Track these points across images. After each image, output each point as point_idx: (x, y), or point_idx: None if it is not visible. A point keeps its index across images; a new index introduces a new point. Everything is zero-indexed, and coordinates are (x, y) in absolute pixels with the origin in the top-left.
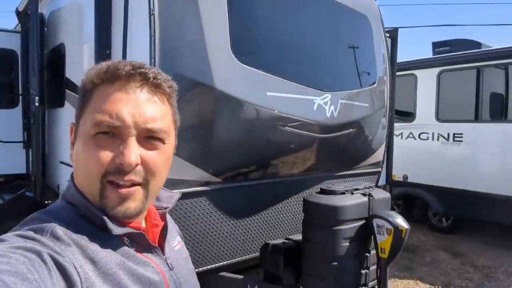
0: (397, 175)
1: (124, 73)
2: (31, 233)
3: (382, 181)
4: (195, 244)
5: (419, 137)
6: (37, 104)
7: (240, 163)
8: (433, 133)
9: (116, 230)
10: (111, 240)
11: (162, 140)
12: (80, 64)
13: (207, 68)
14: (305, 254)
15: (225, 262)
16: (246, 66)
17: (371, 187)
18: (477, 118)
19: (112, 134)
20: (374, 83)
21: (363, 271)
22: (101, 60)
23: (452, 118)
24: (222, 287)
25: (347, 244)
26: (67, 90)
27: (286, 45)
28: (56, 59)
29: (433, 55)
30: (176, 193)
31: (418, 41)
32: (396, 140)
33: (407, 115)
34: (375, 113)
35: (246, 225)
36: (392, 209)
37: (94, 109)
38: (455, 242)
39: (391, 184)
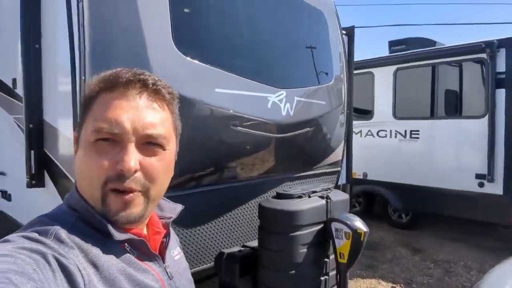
0: (357, 172)
1: (123, 80)
2: (35, 235)
3: (342, 180)
4: None
5: (377, 134)
6: None
7: (187, 168)
8: (390, 131)
9: (118, 236)
10: (113, 246)
11: (162, 146)
12: (9, 61)
13: (145, 61)
14: (261, 262)
15: None
16: (191, 59)
17: (329, 189)
18: (432, 115)
19: (112, 140)
20: (331, 80)
21: (322, 278)
22: (29, 56)
23: (408, 115)
24: None
25: (305, 250)
26: None
27: (238, 39)
28: None
29: (389, 53)
30: (179, 205)
31: (377, 40)
32: (355, 138)
33: (366, 113)
34: (333, 111)
35: (198, 234)
36: (353, 207)
37: (94, 116)
38: (415, 238)
39: (351, 183)
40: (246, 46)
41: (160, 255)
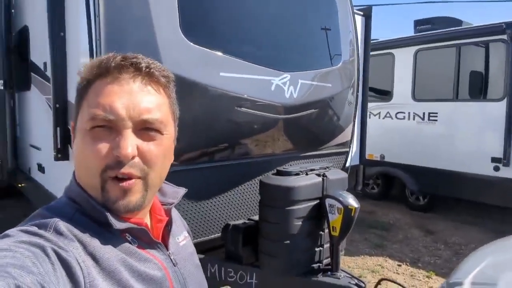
0: (375, 154)
1: (115, 64)
2: (35, 229)
3: (355, 160)
4: None
5: (396, 116)
6: (1, 87)
7: (196, 145)
8: (409, 113)
9: (118, 225)
10: (113, 237)
11: (159, 131)
12: (42, 46)
13: (155, 48)
14: (261, 233)
15: None
16: (197, 46)
17: (328, 168)
18: (454, 97)
19: (108, 127)
20: (339, 63)
21: (317, 249)
22: (56, 43)
23: (428, 97)
24: None
25: (300, 223)
26: (32, 74)
27: (241, 25)
28: (21, 41)
29: (415, 33)
30: (182, 189)
31: (404, 19)
32: (374, 119)
33: (385, 94)
34: (340, 93)
35: (208, 206)
36: (372, 189)
37: (89, 104)
38: (430, 220)
39: (365, 163)
40: (250, 32)
41: (163, 242)
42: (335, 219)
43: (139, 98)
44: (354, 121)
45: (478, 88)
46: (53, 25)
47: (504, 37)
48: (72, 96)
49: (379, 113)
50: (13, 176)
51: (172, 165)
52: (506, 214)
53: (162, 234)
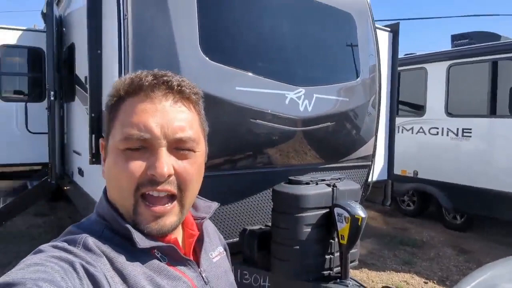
0: (408, 170)
1: (147, 83)
2: (65, 244)
3: (383, 175)
4: None
5: (429, 132)
6: (52, 98)
7: (213, 154)
8: (442, 128)
9: (142, 243)
10: (141, 254)
11: (192, 149)
12: (84, 62)
13: (176, 65)
14: (273, 238)
15: None
16: (214, 62)
17: (339, 179)
18: (492, 113)
19: (142, 147)
20: (358, 78)
21: (327, 256)
22: (93, 59)
23: (462, 113)
24: None
25: (309, 230)
26: (76, 86)
27: (257, 42)
28: (69, 57)
29: (452, 47)
30: (214, 203)
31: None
32: (406, 134)
33: (418, 109)
34: (358, 107)
35: (226, 212)
36: (407, 206)
37: (122, 122)
38: (466, 240)
39: (393, 179)
40: (265, 48)
41: (195, 258)
42: (343, 227)
43: (172, 116)
44: (376, 135)
45: None
46: (92, 43)
47: None
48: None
49: (412, 128)
50: (61, 180)
51: None
52: None
53: (194, 250)
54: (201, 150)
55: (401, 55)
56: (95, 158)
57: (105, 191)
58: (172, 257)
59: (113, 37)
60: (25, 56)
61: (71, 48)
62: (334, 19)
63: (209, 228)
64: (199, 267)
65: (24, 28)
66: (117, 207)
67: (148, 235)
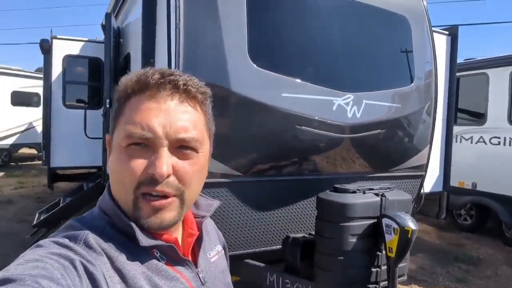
0: (466, 182)
1: (153, 82)
2: (65, 241)
3: (437, 187)
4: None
5: (490, 141)
6: (107, 105)
7: (259, 160)
8: (505, 138)
9: (144, 241)
10: (141, 253)
11: (195, 149)
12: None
13: (225, 72)
14: (317, 247)
15: (249, 250)
16: (261, 69)
17: (389, 188)
18: None
19: (144, 145)
20: (412, 83)
21: (373, 269)
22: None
23: None
24: (246, 273)
25: (355, 240)
26: None
27: (305, 49)
28: (125, 66)
29: None
30: (216, 201)
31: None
32: (465, 144)
33: (478, 117)
34: (412, 114)
35: (269, 218)
36: (464, 220)
37: (126, 120)
38: None
39: (449, 191)
40: (313, 54)
41: (193, 257)
42: (392, 239)
43: (176, 117)
44: (430, 144)
45: None
46: (146, 52)
47: None
48: None
49: (471, 137)
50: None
51: (239, 177)
52: None
53: (192, 249)
54: (205, 150)
55: (460, 60)
56: None
57: (108, 186)
58: (171, 257)
59: (164, 47)
60: (86, 66)
61: (127, 57)
62: (387, 23)
63: (209, 226)
64: (196, 267)
65: (86, 39)
66: (119, 203)
67: (148, 231)
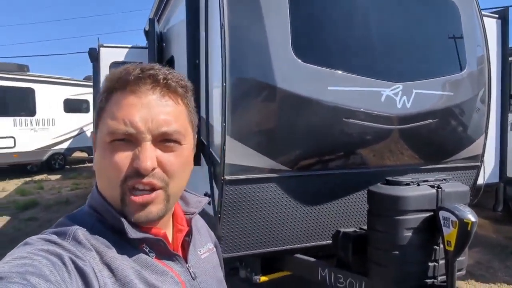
0: None
1: (133, 77)
2: (54, 237)
3: (494, 178)
4: (265, 225)
5: None
6: None
7: (306, 154)
8: None
9: (133, 234)
10: (130, 248)
11: (178, 142)
12: (182, 73)
13: (270, 69)
14: (370, 242)
15: (298, 245)
16: (306, 63)
17: (445, 180)
18: None
19: (128, 140)
20: (463, 70)
21: (430, 264)
22: (192, 69)
23: None
24: (297, 268)
25: (410, 234)
26: None
27: (349, 41)
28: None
29: None
30: (205, 198)
31: None
32: None
33: None
34: (465, 102)
35: (318, 212)
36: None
37: (109, 116)
38: None
39: (505, 181)
40: (358, 46)
41: (183, 253)
42: (450, 233)
43: (158, 110)
44: (486, 133)
45: None
46: (190, 53)
47: None
48: (203, 112)
49: None
50: None
51: (287, 171)
52: None
53: (182, 245)
54: (188, 143)
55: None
56: (195, 159)
57: (96, 183)
58: (160, 251)
59: (209, 47)
60: None
61: (171, 61)
62: (434, 8)
63: (199, 223)
64: (186, 262)
65: (130, 46)
66: (107, 199)
67: (137, 225)
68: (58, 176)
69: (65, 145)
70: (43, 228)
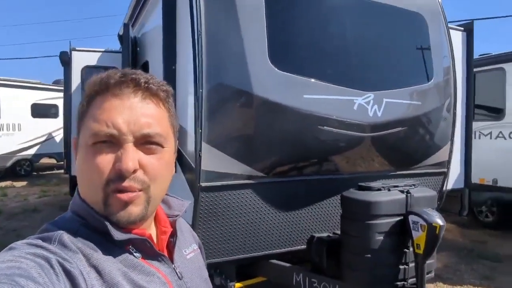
0: (486, 178)
1: (115, 81)
2: (39, 242)
3: (459, 184)
4: (241, 232)
5: (509, 136)
6: None
7: (282, 160)
8: None
9: (118, 235)
10: (116, 249)
11: (160, 145)
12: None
13: (247, 77)
14: (343, 246)
15: (274, 251)
16: (282, 72)
17: (414, 185)
18: None
19: (110, 142)
20: (430, 81)
21: (401, 266)
22: (168, 75)
23: None
24: (272, 274)
25: (381, 238)
26: None
27: (324, 51)
28: None
29: None
30: (187, 201)
31: None
32: (485, 140)
33: (497, 113)
34: (432, 111)
35: (293, 218)
36: (485, 217)
37: (91, 119)
38: None
39: (470, 187)
40: (333, 56)
41: (168, 255)
42: (419, 236)
43: (140, 113)
44: (452, 140)
45: None
46: (167, 59)
47: None
48: (179, 118)
49: (490, 133)
50: None
51: (263, 178)
52: None
53: (167, 247)
54: (170, 146)
55: (475, 55)
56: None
57: (77, 189)
58: (146, 252)
59: (185, 54)
60: None
61: (145, 65)
62: (403, 21)
63: (183, 226)
64: (172, 263)
65: (103, 49)
66: (89, 203)
67: (119, 225)
68: (24, 183)
69: (32, 151)
70: (8, 237)
